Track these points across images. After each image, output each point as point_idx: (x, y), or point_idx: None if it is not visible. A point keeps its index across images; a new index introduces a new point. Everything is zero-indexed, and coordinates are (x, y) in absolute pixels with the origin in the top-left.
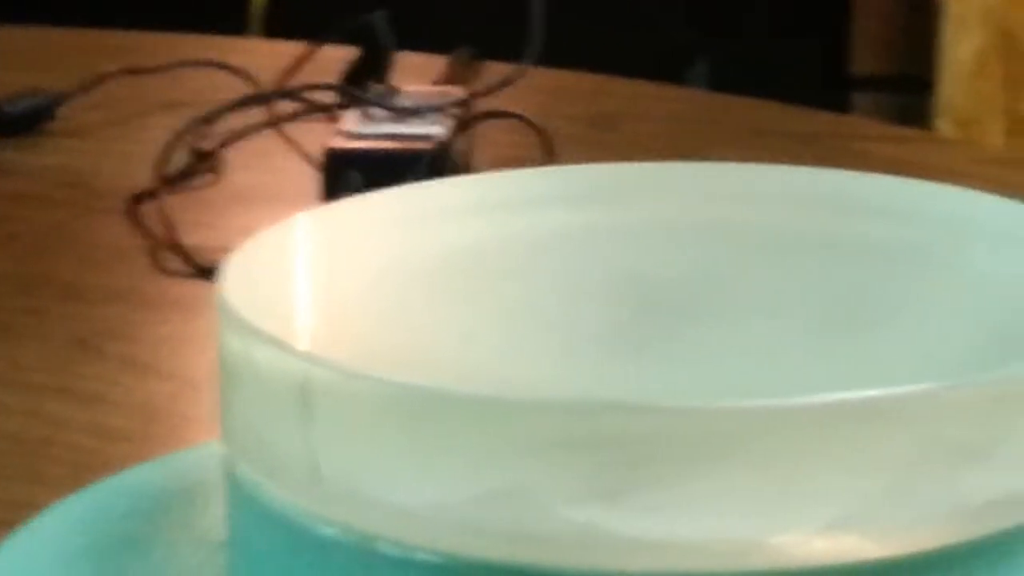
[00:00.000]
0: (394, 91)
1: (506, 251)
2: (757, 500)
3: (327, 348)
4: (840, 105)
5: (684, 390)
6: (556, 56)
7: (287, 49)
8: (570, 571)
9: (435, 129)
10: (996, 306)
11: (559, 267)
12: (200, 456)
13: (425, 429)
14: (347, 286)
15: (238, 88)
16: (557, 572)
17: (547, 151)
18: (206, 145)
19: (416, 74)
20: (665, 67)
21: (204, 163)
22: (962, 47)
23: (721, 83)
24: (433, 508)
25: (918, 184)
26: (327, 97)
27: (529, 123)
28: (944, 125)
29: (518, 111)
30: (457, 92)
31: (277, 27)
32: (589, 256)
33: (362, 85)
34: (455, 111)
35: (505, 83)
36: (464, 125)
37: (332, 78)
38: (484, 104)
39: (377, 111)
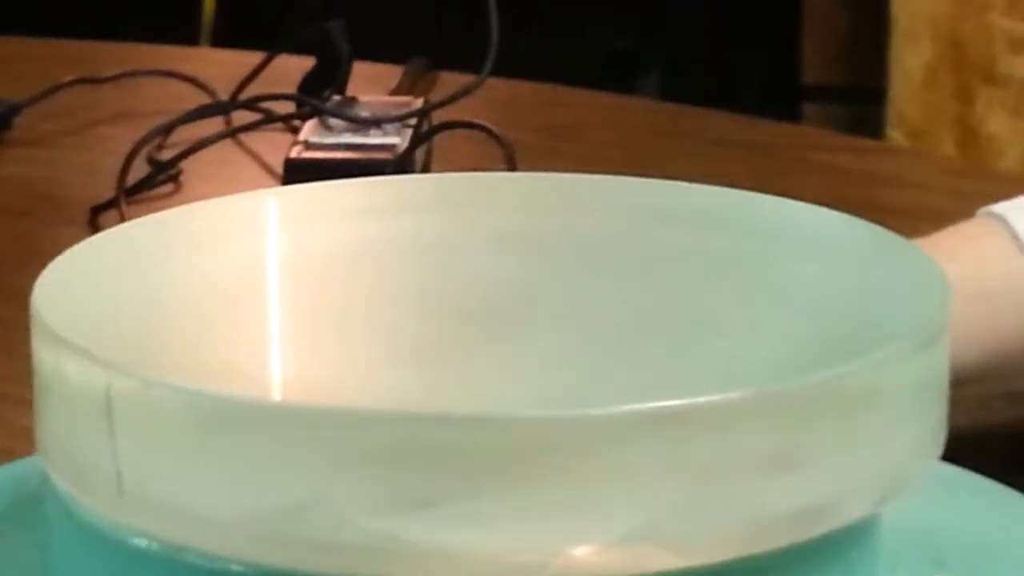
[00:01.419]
0: (352, 101)
1: (328, 261)
2: (556, 511)
3: (142, 359)
4: (791, 115)
5: (497, 400)
6: (506, 66)
7: (239, 58)
8: None
9: (394, 139)
10: (807, 315)
11: (378, 278)
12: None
13: (227, 439)
14: (168, 297)
15: (193, 97)
16: None
17: (509, 162)
18: (165, 155)
19: (371, 84)
20: (615, 77)
21: (163, 173)
22: (912, 58)
23: (671, 93)
24: (239, 519)
25: (737, 194)
26: (284, 107)
27: (491, 134)
28: (896, 136)
29: (478, 121)
30: (414, 102)
31: (226, 37)
32: (407, 266)
33: (319, 95)
34: (414, 121)
35: (464, 93)
36: (425, 135)
37: (288, 88)
38: (443, 114)
39: (335, 121)
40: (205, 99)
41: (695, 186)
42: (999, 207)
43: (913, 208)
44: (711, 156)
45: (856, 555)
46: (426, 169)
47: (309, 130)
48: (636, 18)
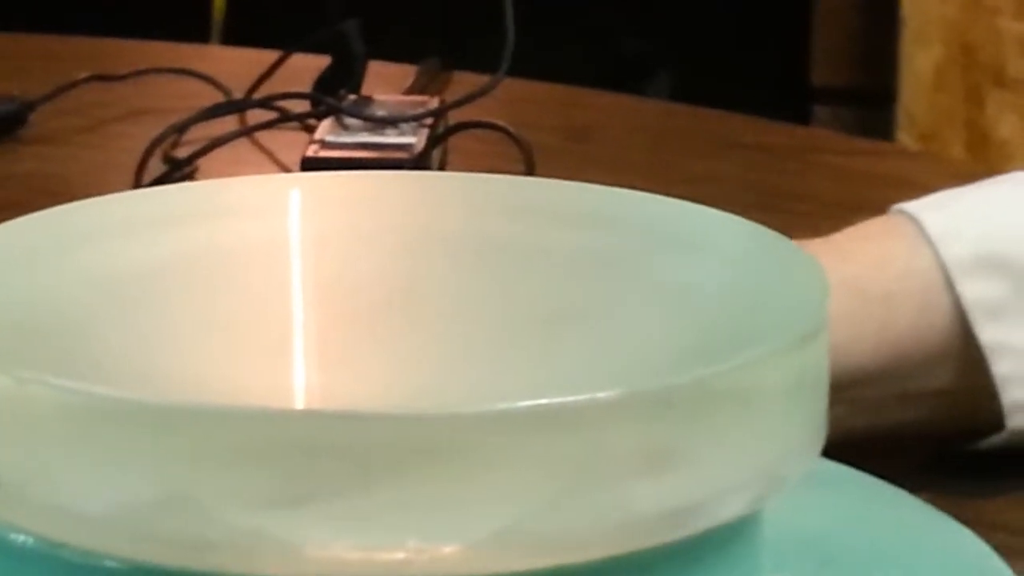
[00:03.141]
0: (368, 100)
1: (219, 259)
2: (423, 509)
3: (24, 355)
4: (800, 117)
5: (376, 399)
6: (516, 67)
7: (252, 57)
8: None
9: (411, 139)
10: (688, 314)
11: (266, 276)
12: None
13: (98, 435)
14: (45, 296)
15: (207, 95)
16: None
17: (527, 162)
18: (180, 153)
19: (384, 83)
20: (624, 79)
21: (179, 172)
22: (922, 61)
23: (681, 95)
24: (111, 515)
25: (625, 193)
26: (298, 106)
27: (509, 135)
28: (905, 138)
29: (496, 122)
30: (429, 101)
31: (236, 35)
32: (297, 264)
33: (335, 94)
34: (430, 121)
35: (481, 93)
36: (443, 134)
37: (302, 87)
38: (458, 114)
39: (351, 121)
40: (219, 97)
41: (585, 185)
42: (911, 205)
43: None
44: (725, 158)
45: (735, 554)
46: (442, 169)
47: (325, 129)
48: (646, 20)
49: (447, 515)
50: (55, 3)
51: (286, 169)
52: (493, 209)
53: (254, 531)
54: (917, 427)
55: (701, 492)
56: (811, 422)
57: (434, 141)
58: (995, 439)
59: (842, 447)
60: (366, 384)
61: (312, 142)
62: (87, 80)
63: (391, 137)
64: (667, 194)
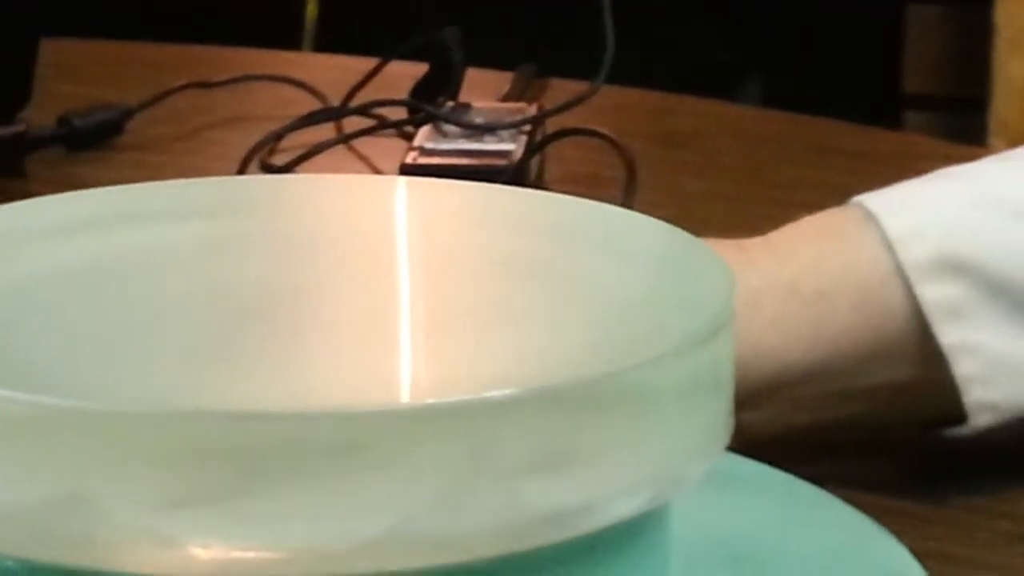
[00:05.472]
0: (466, 107)
1: (113, 265)
2: (311, 509)
3: None
4: (892, 124)
5: (273, 400)
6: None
7: (347, 64)
8: None
9: (510, 145)
10: (597, 316)
11: (160, 280)
12: None
13: None
14: None
15: (303, 103)
16: None
17: (628, 170)
18: (277, 161)
19: (480, 90)
20: (715, 87)
21: None
22: (1016, 67)
23: (773, 102)
24: (7, 514)
25: (539, 195)
26: (395, 113)
27: (611, 141)
28: (999, 144)
29: (597, 129)
30: (527, 108)
31: (327, 42)
32: (193, 268)
33: (433, 101)
34: (528, 127)
35: (580, 100)
36: (543, 141)
37: (397, 94)
38: (555, 121)
39: (449, 127)
40: (315, 105)
41: (505, 188)
42: (871, 201)
43: None
44: (820, 163)
45: (637, 553)
46: (540, 176)
47: (424, 136)
48: (736, 29)
49: (334, 515)
50: (151, 11)
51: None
52: (414, 213)
53: (143, 531)
54: (860, 423)
55: (593, 492)
56: (710, 422)
57: (534, 148)
58: (956, 433)
59: (783, 446)
60: (275, 387)
61: (411, 149)
62: (184, 88)
63: (490, 144)
64: (762, 199)
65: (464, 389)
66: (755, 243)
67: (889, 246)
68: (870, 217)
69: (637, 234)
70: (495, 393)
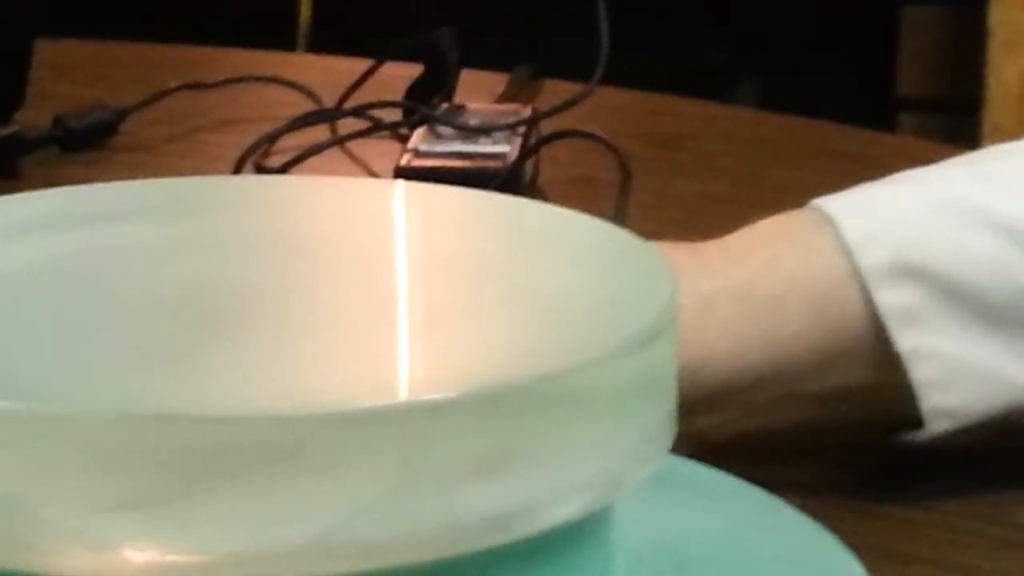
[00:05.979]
0: (460, 109)
1: (57, 267)
2: (248, 512)
3: None
4: (886, 126)
5: (219, 402)
6: (605, 75)
7: (341, 65)
8: None
9: (504, 147)
10: (541, 318)
11: (108, 282)
12: None
13: None
14: None
15: (297, 104)
16: None
17: (623, 171)
18: (272, 162)
19: (475, 91)
20: (710, 89)
21: None
22: (1010, 69)
23: (767, 105)
24: None
25: (484, 196)
26: (390, 115)
27: (606, 143)
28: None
29: (593, 131)
30: (522, 110)
31: (321, 43)
32: (139, 270)
33: (427, 102)
34: (523, 129)
35: (575, 101)
36: (538, 143)
37: (392, 95)
38: (550, 122)
39: (444, 129)
40: (310, 106)
41: (450, 188)
42: (829, 205)
43: None
44: (814, 165)
45: (579, 557)
46: (535, 178)
47: (419, 138)
48: (731, 31)
49: (269, 519)
50: (145, 12)
51: (378, 178)
52: (360, 214)
53: (77, 534)
54: (815, 428)
55: (532, 495)
56: (651, 425)
57: (529, 150)
58: (914, 437)
59: (736, 450)
60: (223, 391)
61: (406, 151)
62: (178, 89)
63: (485, 146)
64: (756, 201)
65: (402, 392)
66: (709, 246)
67: (846, 250)
68: (827, 221)
69: (580, 235)
70: (430, 397)
